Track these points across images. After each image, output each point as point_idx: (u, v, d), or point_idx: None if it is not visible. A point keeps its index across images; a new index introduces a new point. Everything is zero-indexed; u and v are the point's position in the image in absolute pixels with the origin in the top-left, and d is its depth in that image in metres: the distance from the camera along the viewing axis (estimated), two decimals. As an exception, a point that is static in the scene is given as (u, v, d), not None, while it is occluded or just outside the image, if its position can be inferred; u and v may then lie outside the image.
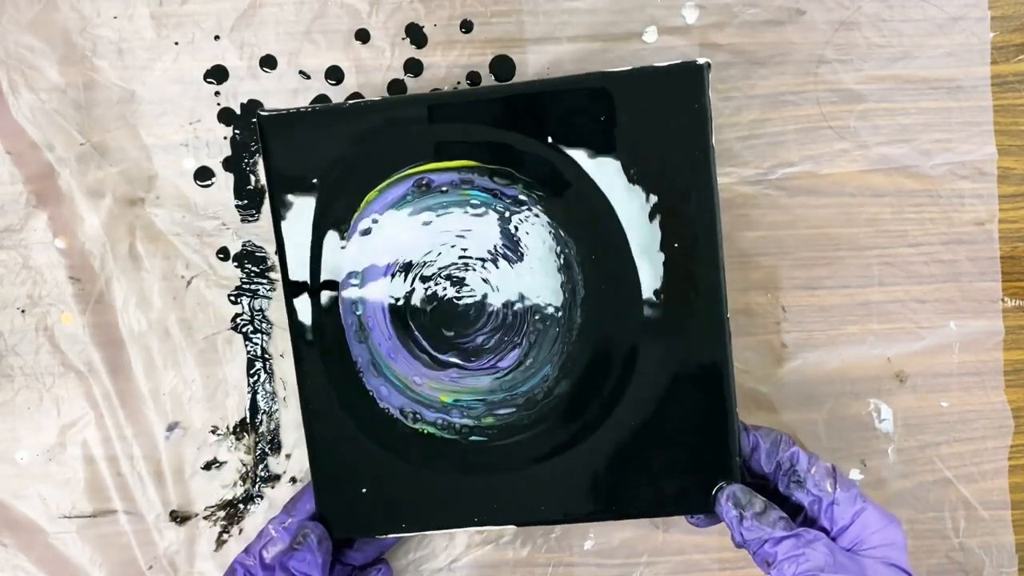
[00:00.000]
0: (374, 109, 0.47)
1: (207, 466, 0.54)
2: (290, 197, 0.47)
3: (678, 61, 0.45)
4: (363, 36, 0.53)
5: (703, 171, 0.45)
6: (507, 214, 0.47)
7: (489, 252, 0.47)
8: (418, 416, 0.48)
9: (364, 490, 0.48)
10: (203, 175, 0.53)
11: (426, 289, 0.48)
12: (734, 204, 0.54)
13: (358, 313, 0.48)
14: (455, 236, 0.47)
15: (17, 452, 0.54)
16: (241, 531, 0.54)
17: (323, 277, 0.48)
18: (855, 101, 0.53)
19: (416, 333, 0.48)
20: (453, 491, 0.48)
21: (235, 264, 0.54)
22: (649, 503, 0.47)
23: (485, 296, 0.47)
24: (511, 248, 0.47)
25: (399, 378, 0.48)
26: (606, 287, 0.47)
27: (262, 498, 0.54)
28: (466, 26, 0.53)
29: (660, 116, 0.45)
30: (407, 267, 0.48)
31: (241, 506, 0.54)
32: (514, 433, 0.48)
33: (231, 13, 0.53)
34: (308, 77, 0.53)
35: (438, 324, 0.48)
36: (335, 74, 0.53)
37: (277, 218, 0.47)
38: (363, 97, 0.53)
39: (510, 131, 0.46)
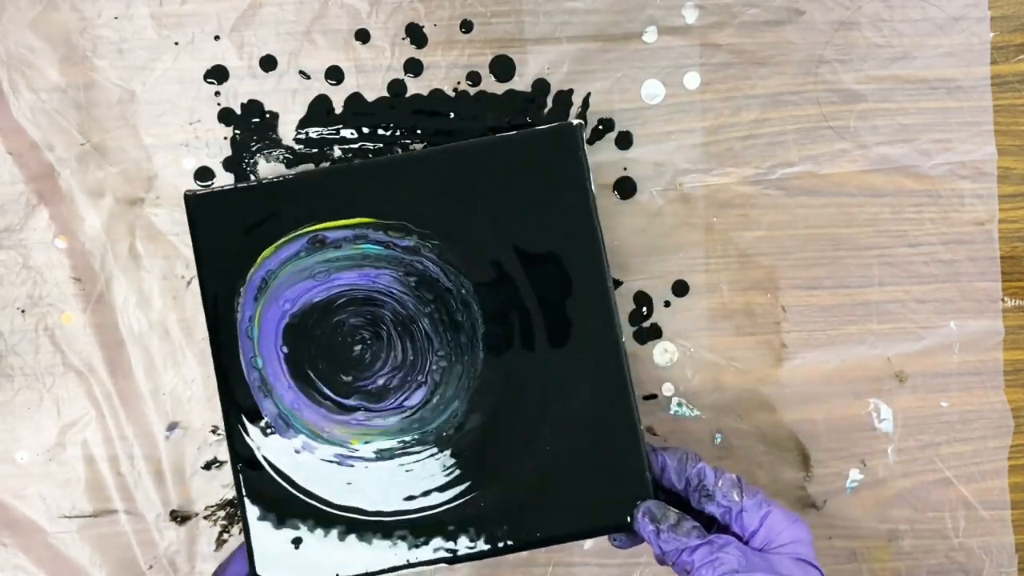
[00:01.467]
0: (286, 185, 0.49)
1: (207, 466, 0.54)
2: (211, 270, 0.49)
3: (556, 124, 0.50)
4: (363, 36, 0.53)
5: (585, 213, 0.49)
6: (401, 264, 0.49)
7: (383, 296, 0.49)
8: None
9: (297, 540, 0.49)
10: (203, 175, 0.53)
11: (319, 339, 0.49)
12: (734, 204, 0.54)
13: (259, 367, 0.49)
14: (345, 288, 0.49)
15: (17, 452, 0.54)
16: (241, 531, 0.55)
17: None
18: (855, 101, 0.54)
19: (315, 381, 0.49)
20: (383, 535, 0.49)
21: (235, 264, 0.54)
22: (573, 527, 0.49)
23: (378, 339, 0.49)
24: (405, 293, 0.49)
25: (308, 427, 0.49)
26: (505, 321, 0.49)
27: (262, 498, 0.55)
28: (466, 26, 0.53)
29: (543, 169, 0.49)
30: (298, 319, 0.49)
31: (241, 506, 0.54)
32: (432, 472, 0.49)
33: (231, 13, 0.53)
34: (308, 77, 0.53)
35: (335, 370, 0.49)
36: (335, 74, 0.53)
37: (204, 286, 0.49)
38: (363, 98, 0.53)
39: (408, 191, 0.49)
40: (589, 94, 0.53)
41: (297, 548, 0.49)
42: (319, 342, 0.49)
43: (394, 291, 0.49)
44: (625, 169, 0.54)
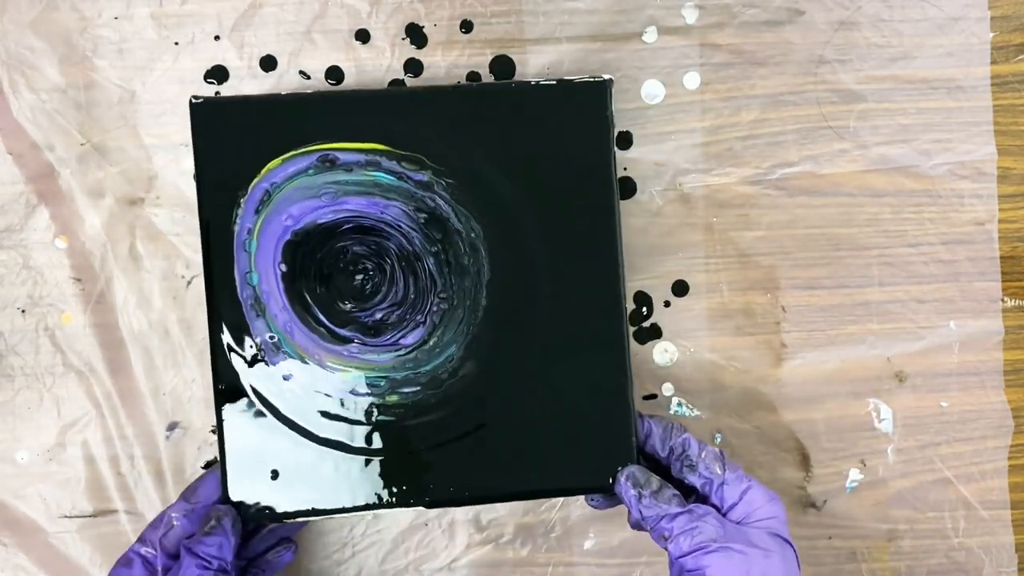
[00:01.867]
0: (301, 99, 0.48)
1: (207, 466, 0.54)
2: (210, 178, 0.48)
3: (588, 77, 0.49)
4: (363, 36, 0.53)
5: (605, 173, 0.49)
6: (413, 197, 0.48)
7: (391, 227, 0.48)
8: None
9: (273, 473, 0.48)
10: (203, 175, 0.53)
11: (319, 262, 0.48)
12: (733, 204, 0.54)
13: (253, 284, 0.48)
14: (353, 214, 0.48)
15: (17, 452, 0.54)
16: (241, 531, 0.54)
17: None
18: (855, 101, 0.54)
19: (311, 305, 0.48)
20: (363, 472, 0.48)
21: (235, 264, 0.54)
22: (554, 484, 0.49)
23: (381, 272, 0.48)
24: (414, 229, 0.48)
25: (298, 353, 0.48)
26: (511, 271, 0.48)
27: (262, 498, 0.54)
28: (466, 26, 0.53)
29: (569, 122, 0.49)
30: (300, 237, 0.48)
31: (241, 506, 0.54)
32: (420, 413, 0.48)
33: (231, 13, 0.53)
34: (308, 77, 0.53)
35: (333, 297, 0.48)
36: (335, 74, 0.53)
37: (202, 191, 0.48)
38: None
39: (428, 125, 0.48)
40: (589, 94, 0.53)
41: (275, 479, 0.48)
42: (319, 265, 0.48)
43: (403, 225, 0.48)
44: (625, 169, 0.54)
